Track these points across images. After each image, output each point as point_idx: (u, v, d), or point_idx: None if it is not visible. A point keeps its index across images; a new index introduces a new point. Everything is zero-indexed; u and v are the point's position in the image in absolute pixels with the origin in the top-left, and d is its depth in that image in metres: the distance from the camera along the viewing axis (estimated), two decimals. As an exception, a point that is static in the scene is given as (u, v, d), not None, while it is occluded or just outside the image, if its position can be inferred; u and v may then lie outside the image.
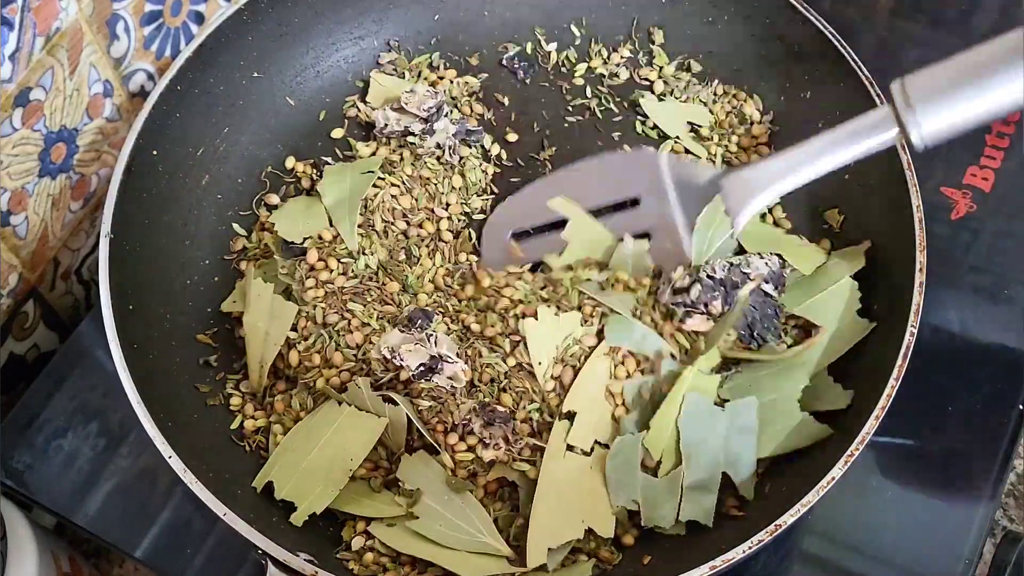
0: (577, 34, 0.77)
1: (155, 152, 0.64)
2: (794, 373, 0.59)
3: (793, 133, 0.71)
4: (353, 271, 0.64)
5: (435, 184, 0.68)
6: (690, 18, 0.75)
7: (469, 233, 0.68)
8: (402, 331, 0.60)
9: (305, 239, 0.64)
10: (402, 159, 0.68)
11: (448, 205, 0.68)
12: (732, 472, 0.56)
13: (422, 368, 0.58)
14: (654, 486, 0.56)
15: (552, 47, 0.77)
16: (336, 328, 0.62)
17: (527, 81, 0.76)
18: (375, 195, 0.66)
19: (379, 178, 0.66)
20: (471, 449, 0.57)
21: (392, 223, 0.66)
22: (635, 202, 0.64)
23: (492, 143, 0.72)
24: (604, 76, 0.76)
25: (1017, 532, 0.63)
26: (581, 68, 0.76)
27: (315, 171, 0.71)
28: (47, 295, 0.70)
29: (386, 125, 0.69)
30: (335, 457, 0.56)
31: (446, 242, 0.67)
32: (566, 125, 0.74)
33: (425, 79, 0.75)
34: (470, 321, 0.61)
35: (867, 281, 0.61)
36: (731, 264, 0.60)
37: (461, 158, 0.70)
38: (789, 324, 0.62)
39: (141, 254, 0.62)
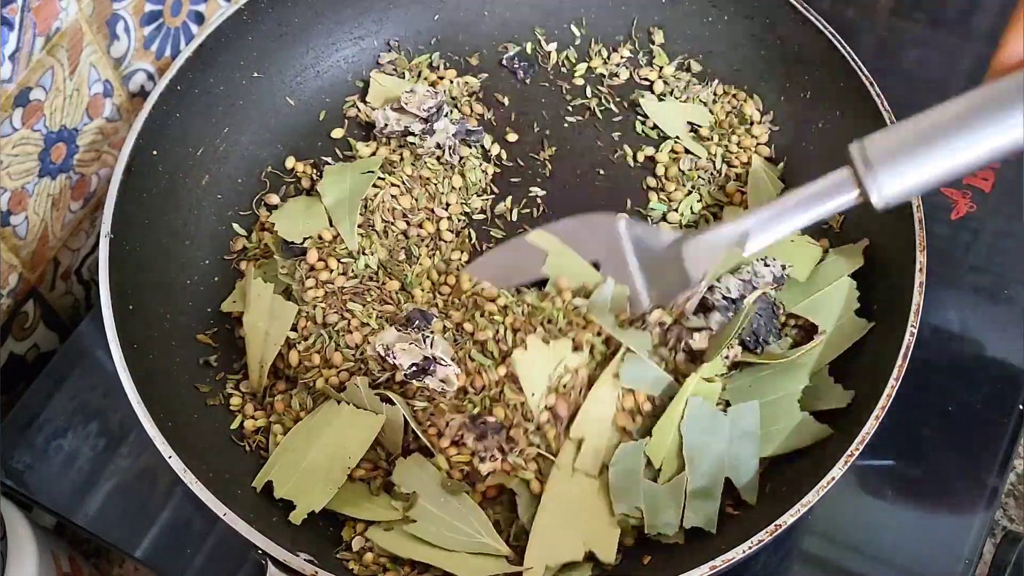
0: (577, 34, 0.77)
1: (155, 152, 0.64)
2: (794, 373, 0.58)
3: (793, 133, 0.71)
4: (353, 271, 0.63)
5: (435, 184, 0.68)
6: (690, 18, 0.75)
7: (469, 233, 0.68)
8: (399, 330, 0.60)
9: (305, 239, 0.64)
10: (402, 159, 0.68)
11: (448, 205, 0.68)
12: (734, 477, 0.56)
13: (414, 368, 0.57)
14: (656, 493, 0.55)
15: (552, 47, 0.77)
16: (336, 328, 0.62)
17: (527, 81, 0.76)
18: (375, 195, 0.66)
19: (379, 178, 0.66)
20: (470, 453, 0.57)
21: (392, 223, 0.66)
22: (596, 266, 0.63)
23: (492, 143, 0.72)
24: (604, 76, 0.76)
25: (1017, 532, 0.63)
26: (581, 68, 0.76)
27: (315, 171, 0.71)
28: (47, 295, 0.70)
29: (386, 125, 0.69)
30: (334, 456, 0.56)
31: (446, 242, 0.67)
32: (566, 125, 0.74)
33: (425, 79, 0.75)
34: (462, 319, 0.61)
35: (867, 281, 0.61)
36: (743, 281, 0.60)
37: (461, 158, 0.70)
38: (789, 324, 0.62)
39: (141, 254, 0.62)
